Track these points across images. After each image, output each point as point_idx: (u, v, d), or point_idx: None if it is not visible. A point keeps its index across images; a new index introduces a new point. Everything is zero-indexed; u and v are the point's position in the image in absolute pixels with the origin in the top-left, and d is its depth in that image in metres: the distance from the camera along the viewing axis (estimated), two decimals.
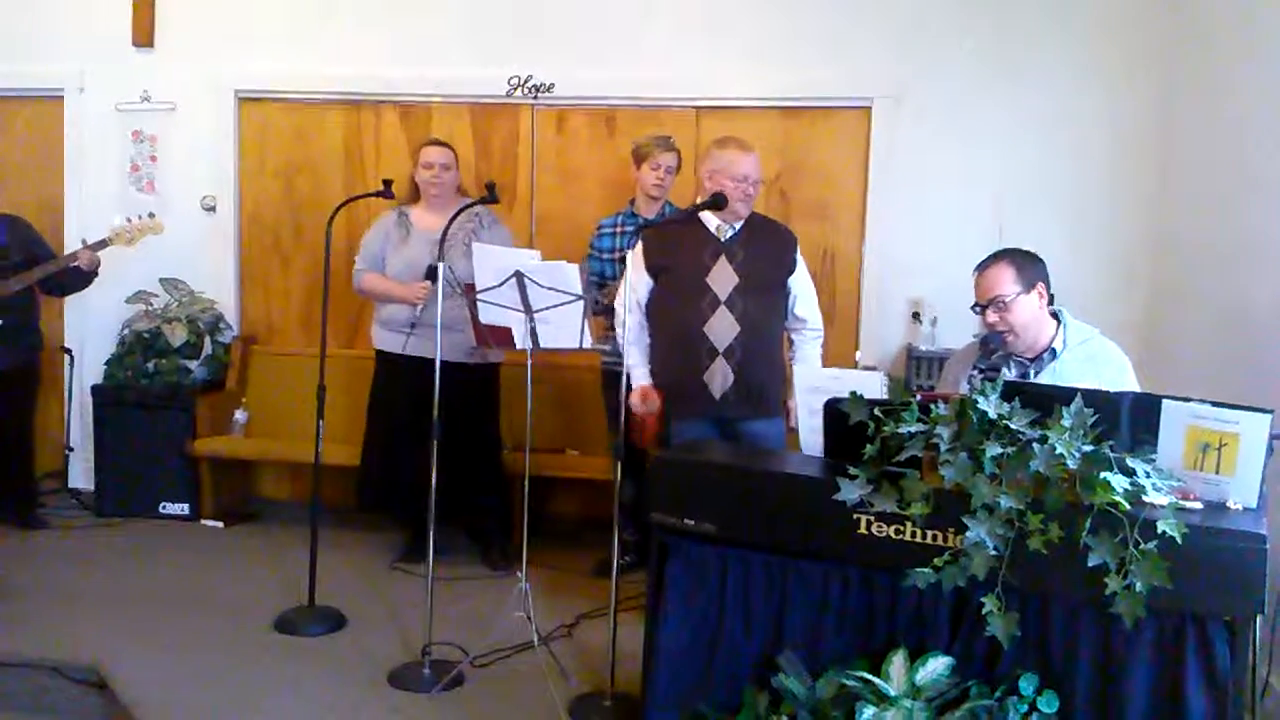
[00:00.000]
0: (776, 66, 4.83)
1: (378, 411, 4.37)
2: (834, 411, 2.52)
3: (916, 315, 4.62)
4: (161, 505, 4.96)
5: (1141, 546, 2.07)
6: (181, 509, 4.95)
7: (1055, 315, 2.93)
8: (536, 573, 3.74)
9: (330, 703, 3.14)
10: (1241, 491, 2.25)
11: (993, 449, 2.21)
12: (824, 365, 3.74)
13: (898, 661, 2.30)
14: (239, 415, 5.12)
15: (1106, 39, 4.57)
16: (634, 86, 4.94)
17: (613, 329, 3.90)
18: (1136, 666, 2.17)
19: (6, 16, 5.31)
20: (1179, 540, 2.05)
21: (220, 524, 4.92)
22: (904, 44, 4.72)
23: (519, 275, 3.19)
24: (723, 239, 3.53)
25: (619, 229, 4.26)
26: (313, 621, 3.68)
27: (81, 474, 5.30)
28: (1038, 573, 2.19)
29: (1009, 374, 2.86)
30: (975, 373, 2.94)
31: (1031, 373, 2.88)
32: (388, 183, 3.91)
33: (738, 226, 3.54)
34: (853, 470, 2.36)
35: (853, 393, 2.46)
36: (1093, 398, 2.26)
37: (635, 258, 3.58)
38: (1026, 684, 2.23)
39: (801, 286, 3.66)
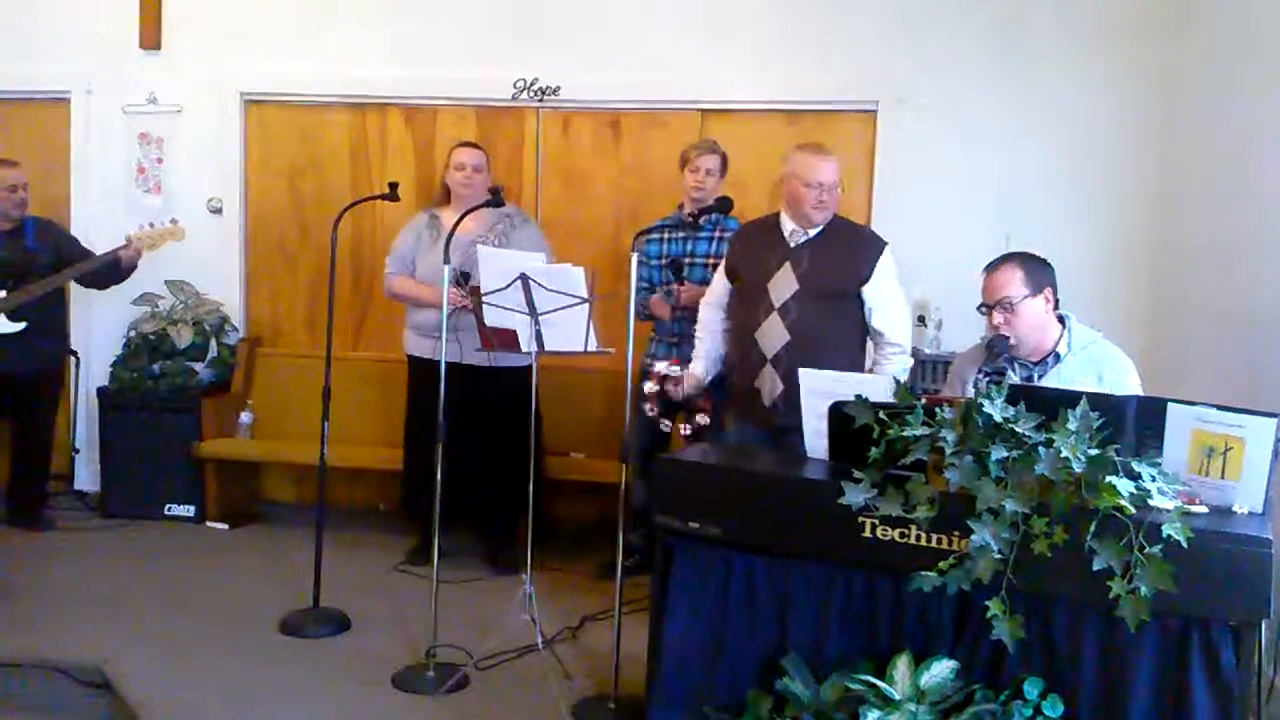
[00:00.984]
0: (780, 69, 4.83)
1: (416, 418, 4.31)
2: (839, 415, 2.52)
3: (922, 319, 4.61)
4: (167, 507, 4.96)
5: (1146, 550, 2.07)
6: (187, 511, 4.95)
7: (1061, 319, 2.93)
8: (541, 575, 3.74)
9: (334, 704, 3.15)
10: (1247, 495, 2.25)
11: (998, 452, 2.21)
12: None
13: (902, 665, 2.30)
14: (244, 417, 5.12)
15: (1109, 40, 4.56)
16: (638, 89, 4.94)
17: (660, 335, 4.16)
18: (1141, 670, 2.16)
19: (13, 19, 5.32)
20: (1184, 544, 2.05)
21: (226, 526, 4.92)
22: (908, 47, 4.71)
23: (524, 278, 3.19)
24: (792, 245, 3.48)
25: (665, 235, 4.27)
26: (317, 623, 3.68)
27: (87, 476, 5.31)
28: (1043, 576, 2.19)
29: (1013, 377, 2.85)
30: (980, 376, 2.94)
31: (1036, 376, 2.88)
32: (393, 185, 3.92)
33: (811, 233, 3.48)
34: (858, 473, 2.37)
35: (858, 396, 2.47)
36: (1098, 401, 2.26)
37: (724, 263, 3.69)
38: (1031, 688, 2.23)
39: (878, 297, 3.47)
